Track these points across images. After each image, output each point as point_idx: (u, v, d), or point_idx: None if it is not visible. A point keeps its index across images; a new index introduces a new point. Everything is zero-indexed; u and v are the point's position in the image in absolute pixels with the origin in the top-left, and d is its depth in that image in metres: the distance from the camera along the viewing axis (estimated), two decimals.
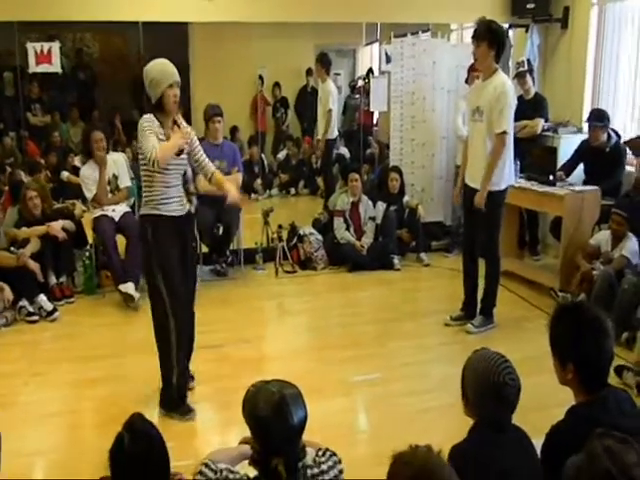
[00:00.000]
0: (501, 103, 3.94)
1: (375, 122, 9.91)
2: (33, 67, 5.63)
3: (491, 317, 4.30)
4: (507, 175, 4.10)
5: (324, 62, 7.20)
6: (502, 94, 3.95)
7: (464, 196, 4.31)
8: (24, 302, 4.48)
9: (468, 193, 4.21)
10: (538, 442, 1.89)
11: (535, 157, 5.52)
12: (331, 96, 7.16)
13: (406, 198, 5.99)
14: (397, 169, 6.03)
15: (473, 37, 4.05)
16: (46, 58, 5.60)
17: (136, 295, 4.72)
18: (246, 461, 1.95)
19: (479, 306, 4.34)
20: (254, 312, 4.83)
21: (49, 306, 4.54)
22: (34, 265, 4.59)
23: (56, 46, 5.66)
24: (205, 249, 5.50)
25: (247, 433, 1.99)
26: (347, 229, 5.79)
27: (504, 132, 3.96)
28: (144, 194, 3.20)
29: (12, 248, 4.66)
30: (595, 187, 4.82)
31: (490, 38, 3.96)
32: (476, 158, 4.14)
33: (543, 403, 2.89)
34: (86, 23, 10.43)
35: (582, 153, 5.23)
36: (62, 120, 9.17)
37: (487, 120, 4.01)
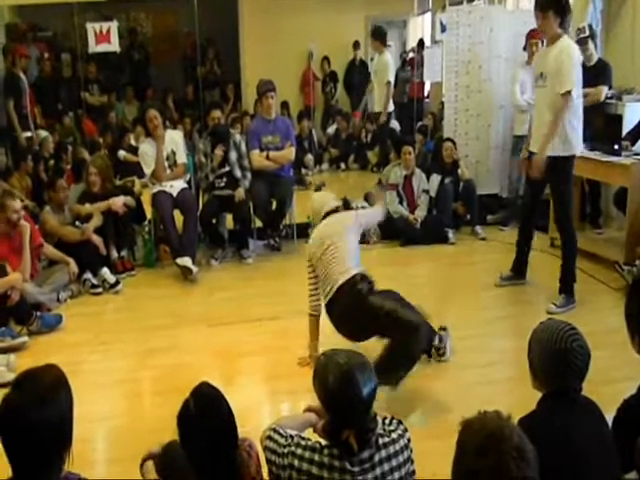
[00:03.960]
0: (564, 63, 3.78)
1: (426, 94, 9.72)
2: (93, 47, 5.75)
3: (572, 296, 4.07)
4: (575, 141, 3.90)
5: (378, 35, 7.08)
6: (565, 55, 3.79)
7: (529, 164, 4.17)
8: (88, 275, 4.63)
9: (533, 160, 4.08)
10: (608, 417, 1.83)
11: (599, 126, 5.28)
12: (389, 67, 7.06)
13: (461, 167, 5.86)
14: (450, 140, 5.94)
15: (536, 7, 3.86)
16: (105, 38, 5.72)
17: (194, 268, 4.80)
18: (311, 429, 1.97)
19: (558, 285, 4.10)
20: None
21: (112, 279, 4.67)
22: (97, 239, 4.74)
23: (114, 25, 5.78)
24: (259, 224, 5.56)
25: (298, 403, 2.00)
26: (400, 203, 5.73)
27: (568, 92, 3.78)
28: None
29: (77, 223, 4.82)
30: None
31: (556, 6, 3.79)
32: (540, 125, 3.99)
33: (610, 377, 2.81)
34: (139, 2, 10.60)
35: None
36: (117, 99, 9.38)
37: (551, 84, 3.86)
